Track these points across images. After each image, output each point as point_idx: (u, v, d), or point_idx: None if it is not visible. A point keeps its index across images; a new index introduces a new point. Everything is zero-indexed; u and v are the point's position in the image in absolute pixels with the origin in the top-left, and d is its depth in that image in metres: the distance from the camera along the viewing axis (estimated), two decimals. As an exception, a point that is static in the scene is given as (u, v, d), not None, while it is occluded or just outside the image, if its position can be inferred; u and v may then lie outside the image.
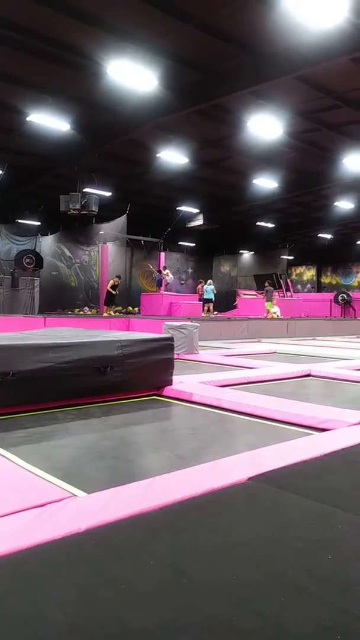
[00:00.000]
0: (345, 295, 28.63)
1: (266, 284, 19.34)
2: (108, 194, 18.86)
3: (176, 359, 5.71)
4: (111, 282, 17.69)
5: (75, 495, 2.35)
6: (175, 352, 5.53)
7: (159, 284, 20.91)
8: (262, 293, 20.09)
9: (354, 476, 2.60)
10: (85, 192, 16.69)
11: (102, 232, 21.38)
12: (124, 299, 20.64)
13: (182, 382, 5.50)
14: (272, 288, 18.97)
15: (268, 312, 18.16)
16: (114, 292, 17.46)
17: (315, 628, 1.34)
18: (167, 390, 5.21)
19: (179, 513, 2.09)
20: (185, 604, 1.44)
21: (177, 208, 22.26)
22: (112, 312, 17.39)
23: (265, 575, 1.61)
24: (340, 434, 3.43)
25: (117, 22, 9.08)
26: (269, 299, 18.32)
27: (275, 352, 10.31)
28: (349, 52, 9.36)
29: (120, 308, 17.31)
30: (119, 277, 18.19)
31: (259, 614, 1.40)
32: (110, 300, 17.46)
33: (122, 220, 20.61)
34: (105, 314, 17.11)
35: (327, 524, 2.00)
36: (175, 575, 1.60)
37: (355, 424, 3.71)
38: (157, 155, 15.95)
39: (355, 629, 1.35)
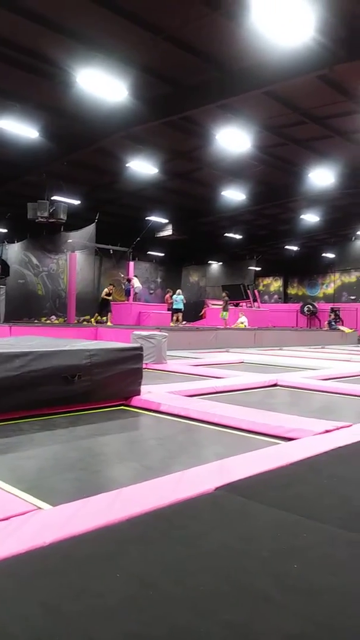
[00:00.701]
0: (311, 306, 29.19)
1: (223, 295, 19.66)
2: (77, 202, 18.75)
3: (145, 368, 5.69)
4: (106, 289, 17.68)
5: (40, 508, 2.30)
6: (143, 361, 5.51)
7: (128, 293, 20.84)
8: (231, 303, 20.35)
9: (319, 485, 2.64)
10: (54, 199, 16.55)
11: (71, 241, 21.18)
12: (92, 308, 20.45)
13: (150, 392, 5.48)
14: (227, 298, 19.33)
15: (225, 321, 18.42)
16: (109, 299, 17.42)
17: (283, 636, 1.35)
18: (135, 400, 5.18)
19: (146, 524, 2.08)
20: (152, 616, 1.43)
21: (147, 218, 22.32)
22: (103, 319, 17.37)
23: (232, 585, 1.61)
24: (306, 443, 3.47)
25: (86, 32, 9.10)
26: (225, 309, 18.65)
27: (243, 362, 10.40)
28: (315, 69, 9.64)
29: (105, 319, 17.18)
30: (112, 284, 18.22)
31: (227, 624, 1.40)
32: (104, 308, 17.38)
33: (91, 228, 20.49)
34: (93, 321, 17.08)
35: (293, 533, 2.02)
36: (142, 587, 1.59)
37: (320, 433, 3.77)
38: (127, 165, 15.98)
39: (320, 636, 1.36)
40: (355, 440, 3.50)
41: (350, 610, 1.49)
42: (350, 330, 21.65)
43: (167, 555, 1.81)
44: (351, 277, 30.11)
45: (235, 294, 23.71)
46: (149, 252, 28.76)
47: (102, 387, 4.94)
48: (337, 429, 3.90)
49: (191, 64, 10.16)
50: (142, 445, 3.92)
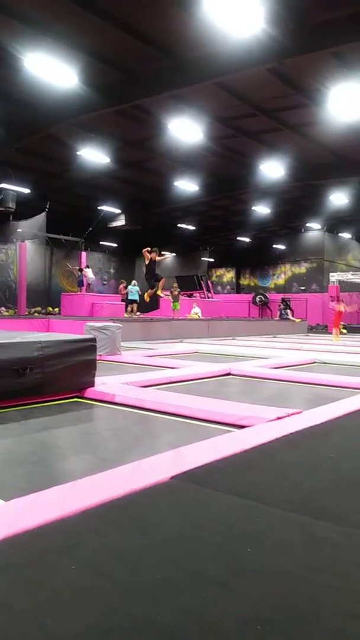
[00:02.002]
0: (262, 297, 29.76)
1: (174, 286, 19.80)
2: (26, 190, 18.25)
3: (98, 360, 5.64)
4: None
5: (-9, 503, 2.24)
6: (97, 353, 5.46)
7: (80, 283, 20.55)
8: (184, 294, 20.49)
9: (272, 470, 2.70)
10: (2, 188, 16.06)
11: (20, 230, 20.63)
12: (43, 299, 20.05)
13: (104, 383, 5.44)
14: (179, 289, 19.62)
15: (174, 312, 18.57)
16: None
17: (237, 620, 1.38)
18: (89, 392, 5.13)
19: (101, 516, 2.07)
20: (109, 607, 1.43)
21: (99, 207, 22.01)
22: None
23: (187, 572, 1.63)
24: (259, 430, 3.55)
25: (34, 14, 8.83)
26: (175, 300, 18.79)
27: (197, 352, 10.49)
28: (265, 62, 9.74)
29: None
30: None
31: (183, 611, 1.41)
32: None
33: (41, 218, 20.04)
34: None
35: (247, 518, 2.07)
36: (98, 579, 1.58)
37: (272, 420, 3.86)
38: (78, 153, 15.67)
39: (273, 617, 1.40)
40: (305, 426, 3.60)
41: (302, 591, 1.54)
42: (299, 320, 22.23)
43: (122, 545, 1.81)
44: (301, 268, 30.85)
45: (189, 284, 23.85)
46: (101, 243, 28.41)
47: (55, 380, 4.86)
48: (288, 415, 4.01)
49: (143, 52, 10.05)
50: (97, 436, 3.89)
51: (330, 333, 18.34)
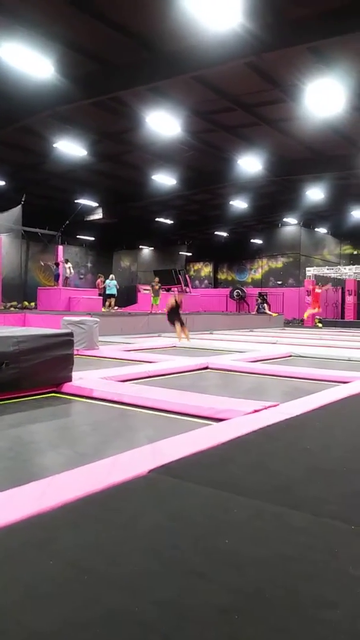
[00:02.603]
0: (240, 291, 29.91)
1: (155, 281, 19.81)
2: (1, 182, 17.95)
3: (76, 354, 5.61)
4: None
5: (-33, 500, 2.22)
6: (74, 347, 5.42)
7: (57, 278, 20.32)
8: (163, 288, 20.50)
9: (248, 463, 2.73)
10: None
11: (-5, 223, 20.27)
12: (19, 294, 19.77)
13: (82, 378, 5.41)
14: (160, 284, 19.65)
15: (152, 306, 18.61)
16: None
17: (214, 610, 1.40)
18: (66, 387, 5.10)
19: (79, 510, 2.07)
20: (87, 600, 1.43)
21: (76, 201, 21.78)
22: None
23: (164, 564, 1.64)
24: (236, 423, 3.58)
25: (7, 2, 8.65)
26: (156, 294, 18.81)
27: (175, 347, 10.50)
28: (243, 56, 9.74)
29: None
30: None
31: (160, 602, 1.43)
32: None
33: (17, 211, 19.69)
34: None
35: (224, 509, 2.09)
36: (76, 572, 1.59)
37: (249, 413, 3.90)
38: (54, 145, 15.46)
39: (249, 607, 1.42)
40: (281, 419, 3.65)
41: (277, 580, 1.57)
42: (276, 314, 22.44)
43: (100, 538, 1.81)
44: (278, 263, 31.10)
45: (167, 279, 23.82)
46: (78, 236, 28.14)
47: (31, 375, 4.82)
48: (265, 408, 4.06)
49: (121, 44, 9.94)
50: (75, 431, 3.88)
51: (308, 327, 18.63)
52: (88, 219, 23.47)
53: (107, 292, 19.02)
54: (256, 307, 24.36)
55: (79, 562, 1.65)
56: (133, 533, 1.86)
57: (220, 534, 1.86)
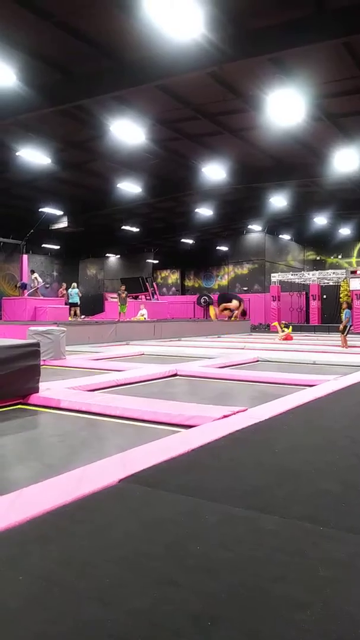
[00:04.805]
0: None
1: (121, 289, 19.80)
2: None
3: (42, 365, 5.53)
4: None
5: None
6: (41, 358, 5.35)
7: (24, 286, 20.02)
8: (130, 296, 20.51)
9: (218, 468, 2.75)
10: None
11: None
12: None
13: (49, 388, 5.34)
14: (127, 292, 19.79)
15: (120, 314, 18.60)
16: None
17: (187, 617, 1.40)
18: (33, 398, 5.02)
19: (48, 523, 2.04)
20: (58, 613, 1.41)
21: (40, 209, 21.52)
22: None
23: (136, 573, 1.63)
24: (206, 430, 3.60)
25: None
26: (123, 302, 18.81)
27: (143, 354, 10.48)
28: (205, 67, 9.86)
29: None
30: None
31: (133, 612, 1.42)
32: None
33: (-22, 220, 19.35)
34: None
35: (195, 516, 2.10)
36: (47, 586, 1.56)
37: (219, 419, 3.92)
38: (17, 153, 15.25)
39: (222, 612, 1.43)
40: (250, 423, 3.69)
41: (249, 583, 1.58)
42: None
43: (70, 551, 1.79)
44: (243, 269, 31.48)
45: (134, 287, 23.78)
46: (44, 245, 27.80)
47: (-3, 387, 4.72)
48: (234, 413, 4.09)
49: (83, 52, 9.92)
50: (43, 443, 3.82)
51: (273, 332, 18.86)
52: (53, 227, 23.23)
53: (70, 300, 18.86)
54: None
55: (49, 576, 1.62)
56: (104, 543, 1.84)
57: (191, 540, 1.86)
